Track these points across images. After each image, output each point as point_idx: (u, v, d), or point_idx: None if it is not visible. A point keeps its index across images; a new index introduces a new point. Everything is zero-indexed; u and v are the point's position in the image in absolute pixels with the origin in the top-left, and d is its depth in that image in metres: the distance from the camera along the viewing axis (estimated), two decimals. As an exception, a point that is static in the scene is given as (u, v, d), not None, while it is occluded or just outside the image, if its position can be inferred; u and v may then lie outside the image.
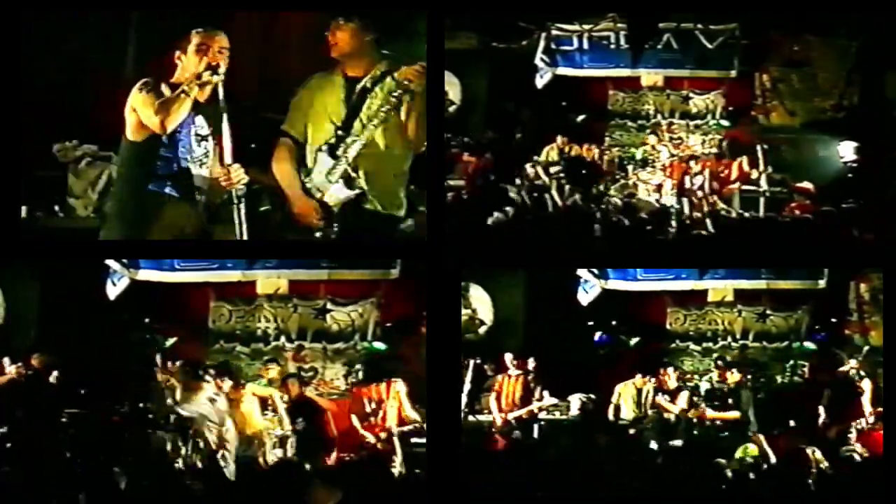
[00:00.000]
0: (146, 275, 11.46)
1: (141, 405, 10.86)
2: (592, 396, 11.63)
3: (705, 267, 12.64)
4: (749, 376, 12.01)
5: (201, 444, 10.58)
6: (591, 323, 12.50)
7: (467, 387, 11.46)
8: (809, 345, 12.82)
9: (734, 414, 11.59)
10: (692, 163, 13.64)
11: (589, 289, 12.40)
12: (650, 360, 12.27)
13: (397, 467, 10.74)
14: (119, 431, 10.52)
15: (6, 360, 11.09)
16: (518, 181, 12.90)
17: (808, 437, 11.00)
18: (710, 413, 11.57)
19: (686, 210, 12.80)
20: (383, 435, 10.97)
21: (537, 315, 12.66)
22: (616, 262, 11.91)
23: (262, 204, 9.68)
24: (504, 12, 12.75)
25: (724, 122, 14.75)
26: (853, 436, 11.05)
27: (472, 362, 11.59)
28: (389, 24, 9.30)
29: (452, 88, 13.69)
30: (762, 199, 13.18)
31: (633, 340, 12.57)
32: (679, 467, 10.18)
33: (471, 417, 11.50)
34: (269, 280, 12.21)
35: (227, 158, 8.59)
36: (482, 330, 12.78)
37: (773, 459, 10.43)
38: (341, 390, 12.15)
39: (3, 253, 9.66)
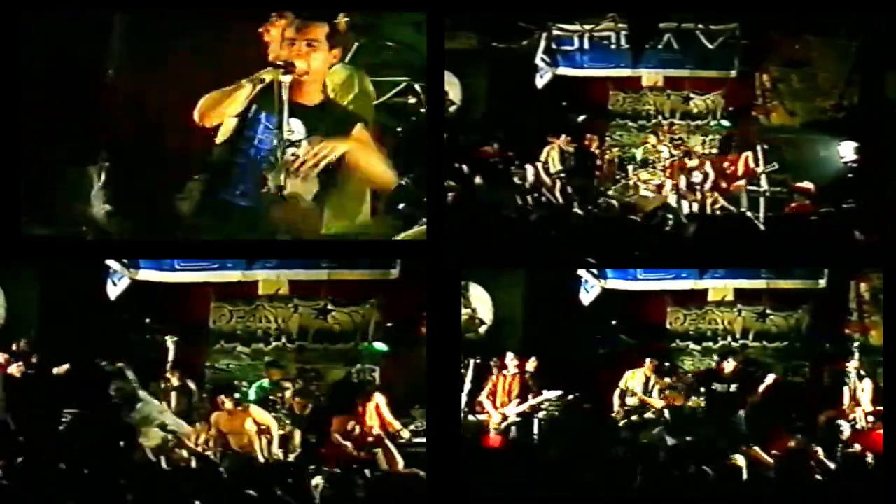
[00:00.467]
0: (146, 275, 11.50)
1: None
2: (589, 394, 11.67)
3: (705, 267, 12.65)
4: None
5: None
6: (591, 323, 12.51)
7: (467, 386, 11.47)
8: (810, 344, 12.85)
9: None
10: (690, 161, 13.65)
11: (589, 289, 12.40)
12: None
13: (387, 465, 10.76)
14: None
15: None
16: (519, 181, 12.94)
17: (808, 436, 11.07)
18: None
19: (686, 210, 12.79)
20: (370, 440, 11.00)
21: (537, 314, 12.67)
22: (616, 262, 11.89)
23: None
24: (504, 12, 12.74)
25: (725, 123, 14.73)
26: (848, 434, 11.12)
27: (472, 362, 11.59)
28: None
29: (453, 88, 13.67)
30: (762, 199, 13.16)
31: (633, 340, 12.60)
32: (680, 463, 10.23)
33: (471, 417, 11.51)
34: (270, 280, 12.22)
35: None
36: (482, 329, 12.79)
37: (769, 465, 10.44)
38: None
39: (2, 253, 9.66)
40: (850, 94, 13.40)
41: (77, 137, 9.90)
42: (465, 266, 10.88)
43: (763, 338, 13.06)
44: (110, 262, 11.37)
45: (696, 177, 13.27)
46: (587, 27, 14.25)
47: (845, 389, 11.57)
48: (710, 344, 13.05)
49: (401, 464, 10.76)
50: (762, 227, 11.84)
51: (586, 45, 14.39)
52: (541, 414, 11.66)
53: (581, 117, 14.06)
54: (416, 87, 9.98)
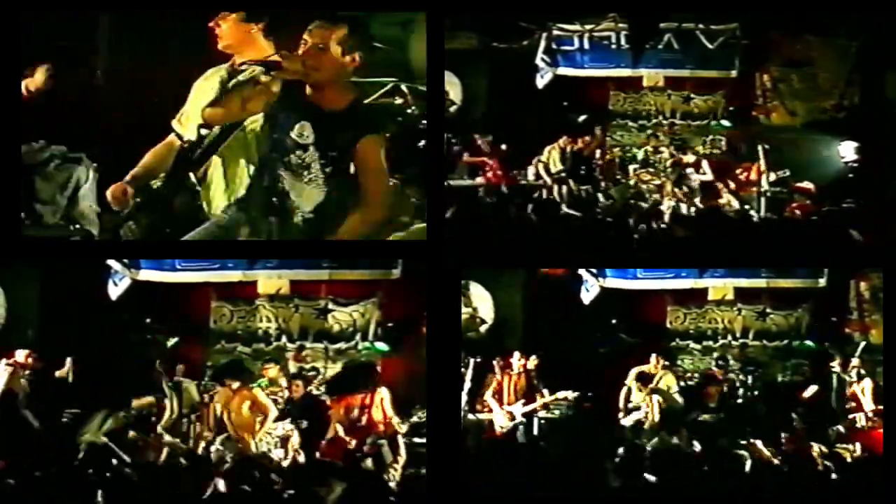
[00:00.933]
0: (147, 275, 11.46)
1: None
2: (590, 394, 11.65)
3: (705, 267, 12.64)
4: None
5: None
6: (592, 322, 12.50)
7: (468, 385, 11.47)
8: (810, 343, 12.83)
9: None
10: (685, 156, 13.68)
11: (589, 288, 12.40)
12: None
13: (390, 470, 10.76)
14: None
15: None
16: (520, 181, 12.95)
17: (809, 435, 11.09)
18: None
19: (687, 210, 12.79)
20: (369, 439, 10.98)
21: (538, 314, 12.67)
22: (616, 262, 11.89)
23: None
24: (504, 12, 12.75)
25: (726, 123, 14.73)
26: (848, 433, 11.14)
27: (472, 361, 11.59)
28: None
29: (453, 88, 13.69)
30: (763, 199, 13.14)
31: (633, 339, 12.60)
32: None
33: (471, 416, 11.51)
34: (270, 280, 12.23)
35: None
36: (483, 328, 12.79)
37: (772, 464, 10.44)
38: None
39: (3, 253, 9.66)
40: (850, 94, 13.40)
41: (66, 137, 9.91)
42: (465, 266, 10.88)
43: (763, 337, 13.06)
44: (111, 262, 11.33)
45: (695, 178, 13.28)
46: (587, 27, 14.24)
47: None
48: (711, 343, 13.06)
49: (402, 461, 10.76)
50: (763, 227, 11.86)
51: (587, 46, 14.38)
52: (542, 413, 11.68)
53: (582, 117, 14.05)
54: (403, 87, 9.95)
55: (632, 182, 13.58)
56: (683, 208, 12.71)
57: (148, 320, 11.79)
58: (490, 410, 11.77)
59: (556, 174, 13.07)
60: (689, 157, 13.76)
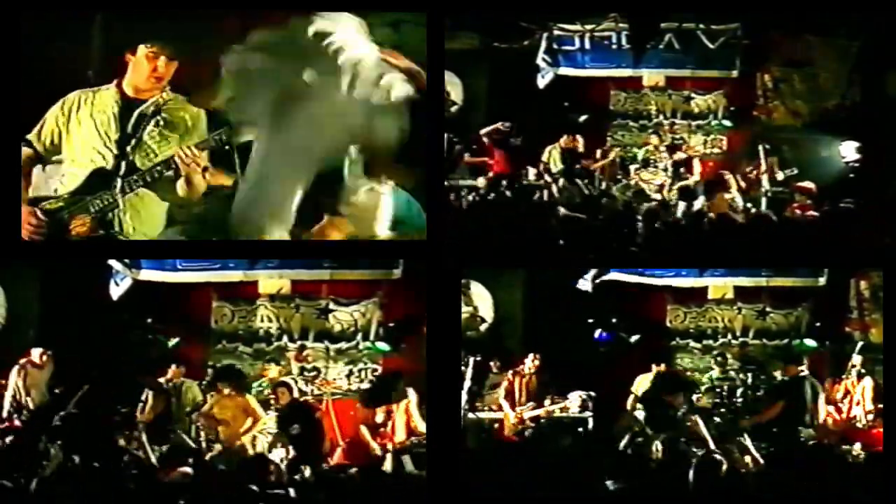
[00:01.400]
0: (148, 275, 11.46)
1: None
2: (593, 394, 11.64)
3: (706, 267, 12.64)
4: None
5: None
6: (591, 320, 12.48)
7: (468, 384, 11.47)
8: (810, 342, 12.83)
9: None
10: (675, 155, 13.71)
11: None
12: (651, 357, 12.29)
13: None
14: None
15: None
16: (520, 181, 12.96)
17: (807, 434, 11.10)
18: None
19: (688, 210, 12.78)
20: (390, 446, 11.00)
21: (538, 312, 12.68)
22: (616, 262, 11.88)
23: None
24: (505, 12, 12.75)
25: (727, 123, 14.75)
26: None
27: (472, 360, 11.60)
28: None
29: (454, 89, 13.71)
30: (764, 199, 13.15)
31: (634, 338, 12.58)
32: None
33: (471, 415, 11.52)
34: (271, 280, 12.24)
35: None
36: (483, 327, 12.81)
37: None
38: (343, 390, 12.17)
39: (3, 253, 9.66)
40: (852, 94, 13.39)
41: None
42: (464, 266, 10.88)
43: (763, 335, 13.07)
44: (112, 263, 11.32)
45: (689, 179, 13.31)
46: (588, 27, 14.27)
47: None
48: (710, 342, 13.06)
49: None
50: (764, 227, 11.85)
51: (587, 45, 14.41)
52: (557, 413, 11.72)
53: (582, 117, 14.06)
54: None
55: (632, 182, 13.59)
56: (684, 208, 12.66)
57: (149, 320, 11.80)
58: (498, 409, 11.81)
59: (557, 174, 13.06)
60: (680, 155, 13.77)
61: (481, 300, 12.78)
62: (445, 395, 9.94)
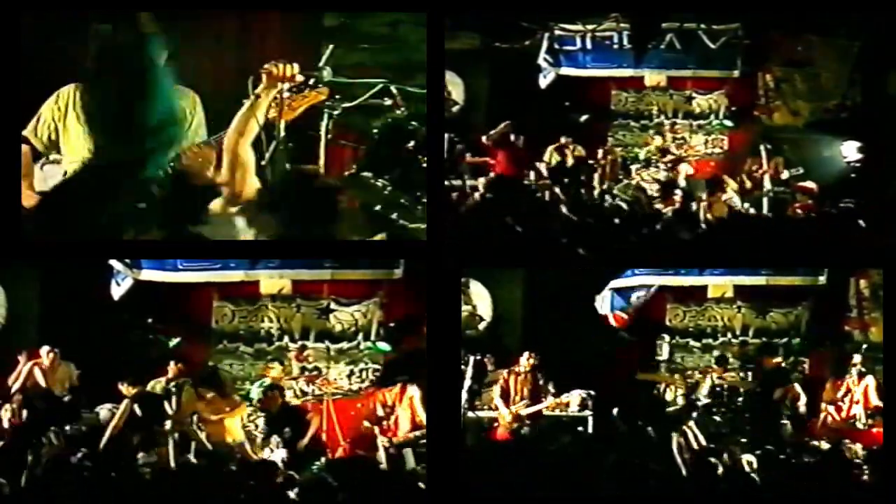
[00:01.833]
0: (149, 275, 11.46)
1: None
2: (593, 393, 11.63)
3: (706, 267, 12.63)
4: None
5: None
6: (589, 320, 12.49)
7: (467, 383, 11.47)
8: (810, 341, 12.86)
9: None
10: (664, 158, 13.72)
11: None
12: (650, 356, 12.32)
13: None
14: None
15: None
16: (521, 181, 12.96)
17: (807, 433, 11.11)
18: None
19: (688, 209, 12.77)
20: (395, 440, 11.02)
21: (537, 311, 12.68)
22: (617, 262, 11.89)
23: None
24: (506, 12, 12.76)
25: (728, 123, 14.74)
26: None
27: (472, 358, 11.60)
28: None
29: (456, 89, 13.74)
30: (765, 199, 13.15)
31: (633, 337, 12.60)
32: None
33: (470, 414, 11.52)
34: (272, 280, 12.24)
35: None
36: (482, 326, 12.81)
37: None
38: (344, 390, 12.18)
39: (3, 253, 9.67)
40: (853, 94, 13.40)
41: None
42: (465, 266, 10.89)
43: (763, 334, 13.06)
44: (113, 262, 11.32)
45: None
46: (589, 27, 14.28)
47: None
48: (710, 341, 13.06)
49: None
50: (765, 227, 11.87)
51: (589, 45, 14.41)
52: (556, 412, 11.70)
53: (584, 117, 14.06)
54: (392, 88, 9.97)
55: (633, 182, 13.58)
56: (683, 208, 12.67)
57: (150, 320, 11.78)
58: (494, 408, 11.79)
59: (558, 174, 13.06)
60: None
61: (480, 299, 12.79)
62: (445, 394, 9.95)
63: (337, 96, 9.40)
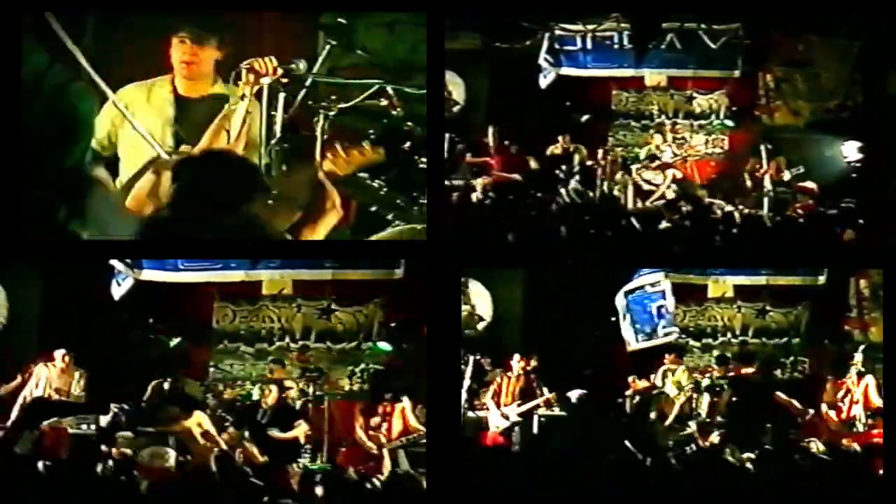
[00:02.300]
0: (150, 275, 11.43)
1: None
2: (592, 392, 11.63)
3: (706, 267, 12.64)
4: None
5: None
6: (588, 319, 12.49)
7: (467, 383, 11.48)
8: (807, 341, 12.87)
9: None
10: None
11: None
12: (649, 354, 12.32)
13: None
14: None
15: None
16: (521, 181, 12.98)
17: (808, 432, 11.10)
18: None
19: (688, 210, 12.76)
20: (388, 445, 11.06)
21: (536, 311, 12.68)
22: (617, 262, 11.88)
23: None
24: (506, 12, 12.77)
25: (728, 122, 14.72)
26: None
27: (471, 358, 11.61)
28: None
29: (456, 89, 13.75)
30: (766, 199, 13.14)
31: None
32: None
33: (470, 413, 11.53)
34: (274, 280, 12.25)
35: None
36: (481, 326, 12.82)
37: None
38: (345, 391, 12.19)
39: (4, 253, 9.68)
40: (854, 94, 13.40)
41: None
42: (464, 266, 10.90)
43: (763, 334, 13.06)
44: (114, 263, 11.30)
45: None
46: (590, 27, 14.25)
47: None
48: (710, 340, 13.06)
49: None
50: (765, 227, 11.87)
51: (589, 45, 14.39)
52: (541, 411, 11.68)
53: (584, 117, 14.06)
54: (389, 89, 9.97)
55: (634, 182, 13.57)
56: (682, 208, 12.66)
57: (151, 320, 11.80)
58: (487, 409, 11.80)
59: (558, 174, 13.06)
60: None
61: (480, 298, 12.80)
62: (445, 394, 9.95)
63: (332, 97, 9.40)
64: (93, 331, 11.51)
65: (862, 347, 11.75)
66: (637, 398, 11.88)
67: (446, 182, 11.39)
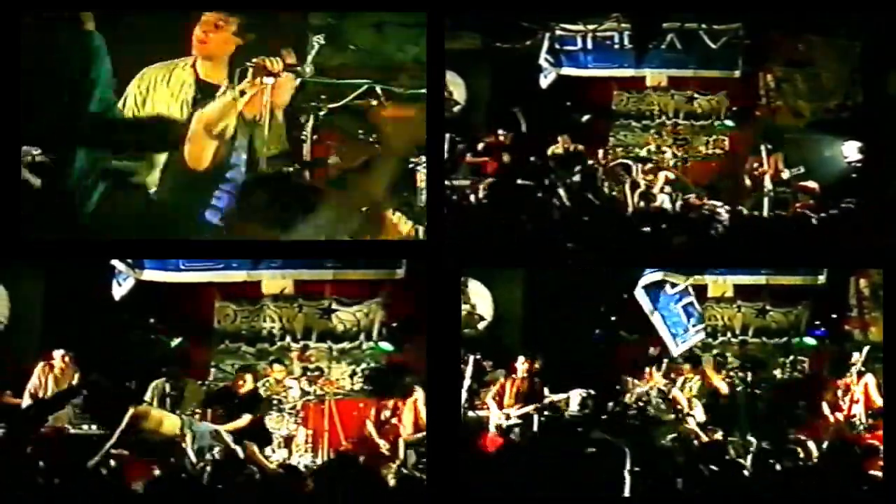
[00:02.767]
0: (151, 275, 11.47)
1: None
2: (592, 392, 11.63)
3: (706, 267, 12.63)
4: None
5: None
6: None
7: (467, 382, 11.49)
8: (809, 340, 12.82)
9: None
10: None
11: None
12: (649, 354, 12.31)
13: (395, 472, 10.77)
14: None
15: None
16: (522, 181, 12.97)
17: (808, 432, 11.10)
18: None
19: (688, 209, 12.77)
20: (399, 441, 11.08)
21: (537, 311, 12.69)
22: (617, 262, 11.87)
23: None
24: (506, 12, 12.78)
25: (729, 123, 14.71)
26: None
27: (471, 358, 11.61)
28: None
29: (457, 89, 13.75)
30: (766, 199, 13.13)
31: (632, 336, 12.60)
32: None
33: (470, 413, 11.53)
34: (275, 280, 12.25)
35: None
36: (482, 325, 12.82)
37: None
38: (346, 390, 12.20)
39: (5, 253, 9.69)
40: (854, 94, 13.40)
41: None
42: (464, 266, 10.91)
43: (763, 334, 13.06)
44: (115, 263, 11.33)
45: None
46: (590, 27, 14.25)
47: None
48: (710, 340, 13.04)
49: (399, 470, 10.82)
50: (766, 226, 11.87)
51: (590, 45, 14.39)
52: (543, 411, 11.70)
53: (585, 117, 14.05)
54: (377, 89, 9.98)
55: (634, 182, 13.56)
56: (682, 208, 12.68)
57: (152, 320, 11.81)
58: (487, 409, 11.80)
59: (558, 174, 13.06)
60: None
61: (480, 298, 12.81)
62: (446, 394, 9.97)
63: (322, 96, 9.43)
64: (94, 331, 11.49)
65: (863, 348, 11.79)
66: (637, 398, 11.86)
67: (446, 182, 11.36)
